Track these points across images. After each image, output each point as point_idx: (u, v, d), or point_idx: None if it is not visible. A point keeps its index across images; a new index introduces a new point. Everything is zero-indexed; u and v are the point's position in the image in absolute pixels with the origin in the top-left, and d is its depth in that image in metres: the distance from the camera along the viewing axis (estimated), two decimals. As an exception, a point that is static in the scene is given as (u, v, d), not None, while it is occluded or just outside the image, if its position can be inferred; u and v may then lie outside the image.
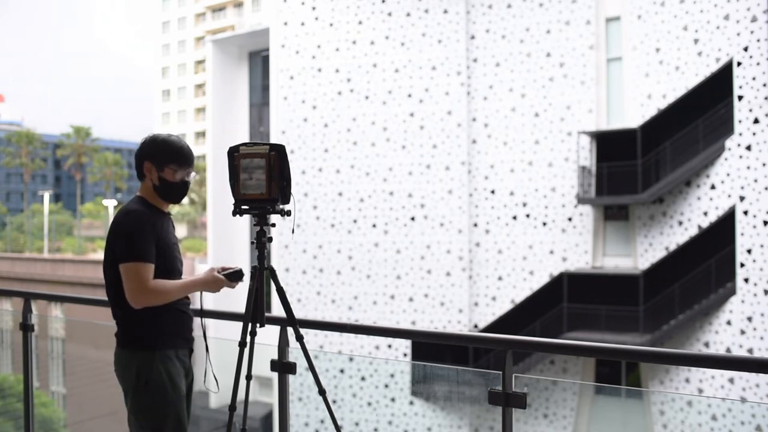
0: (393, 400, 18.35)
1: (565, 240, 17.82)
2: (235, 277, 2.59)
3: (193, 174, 2.64)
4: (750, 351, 14.14)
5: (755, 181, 14.39)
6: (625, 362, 16.69)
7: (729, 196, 14.99)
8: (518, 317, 17.66)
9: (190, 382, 2.69)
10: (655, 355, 2.63)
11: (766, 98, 14.23)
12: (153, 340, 2.53)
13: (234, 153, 2.70)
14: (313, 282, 19.96)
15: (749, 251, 14.34)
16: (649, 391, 16.70)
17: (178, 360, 2.59)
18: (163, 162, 2.56)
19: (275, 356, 3.09)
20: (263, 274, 2.80)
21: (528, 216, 18.21)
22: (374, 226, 19.49)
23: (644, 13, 16.97)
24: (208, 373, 2.72)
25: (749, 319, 14.30)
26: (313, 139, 20.12)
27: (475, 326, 18.52)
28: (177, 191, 2.62)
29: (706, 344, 15.31)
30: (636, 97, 17.14)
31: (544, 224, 18.03)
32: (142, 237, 2.47)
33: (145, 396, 2.51)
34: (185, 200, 51.71)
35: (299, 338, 2.88)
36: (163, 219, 2.61)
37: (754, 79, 14.42)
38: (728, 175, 15.02)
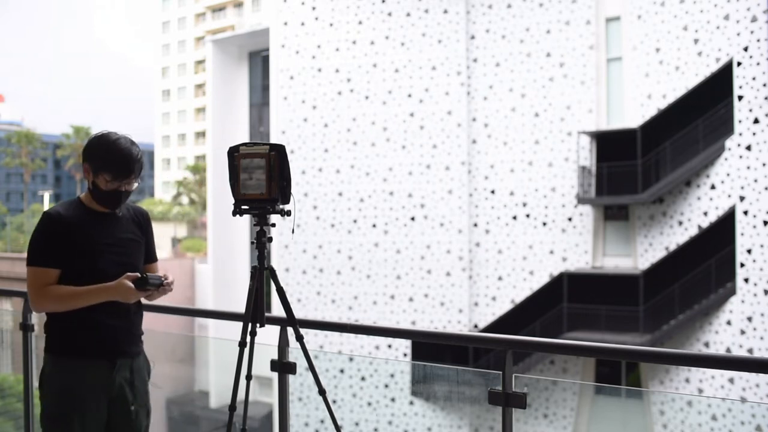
0: (393, 400, 18.35)
1: (565, 240, 17.82)
2: (139, 283, 2.41)
3: (135, 185, 2.48)
4: (750, 351, 14.14)
5: (755, 181, 14.39)
6: (625, 362, 16.69)
7: (729, 196, 14.99)
8: (518, 317, 17.65)
9: (115, 396, 2.49)
10: (655, 355, 2.63)
11: (766, 98, 14.23)
12: (55, 347, 2.45)
13: (234, 153, 2.70)
14: (313, 282, 19.96)
15: (749, 251, 14.34)
16: (649, 391, 16.70)
17: (89, 371, 2.43)
18: (99, 168, 2.40)
19: (275, 356, 3.09)
20: (263, 274, 2.80)
21: (528, 216, 18.21)
22: (374, 226, 19.49)
23: (644, 13, 16.97)
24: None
25: (749, 319, 14.30)
26: (313, 139, 20.12)
27: (475, 326, 18.52)
28: (109, 199, 2.45)
29: (706, 344, 15.31)
30: (636, 97, 17.14)
31: (544, 224, 18.03)
32: (41, 241, 2.39)
33: (43, 401, 2.45)
34: (185, 200, 51.71)
35: (299, 338, 2.88)
36: (96, 220, 2.47)
37: (754, 79, 14.42)
38: (728, 175, 15.02)
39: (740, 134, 14.65)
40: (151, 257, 2.68)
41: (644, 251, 16.91)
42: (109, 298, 2.40)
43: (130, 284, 2.40)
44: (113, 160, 2.40)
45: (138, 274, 2.45)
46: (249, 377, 2.72)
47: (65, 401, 2.41)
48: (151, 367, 2.72)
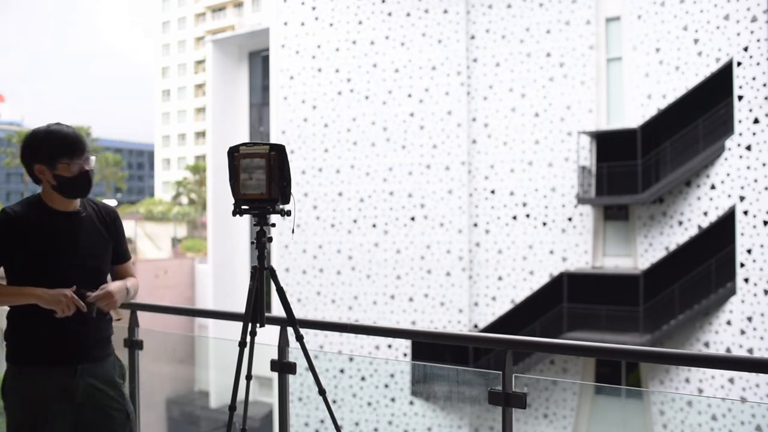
0: (393, 400, 18.35)
1: (565, 240, 17.81)
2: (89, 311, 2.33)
3: (93, 159, 2.41)
4: (750, 351, 14.14)
5: (755, 181, 14.39)
6: (625, 362, 16.69)
7: (729, 196, 14.99)
8: (518, 317, 17.65)
9: (83, 401, 2.41)
10: (655, 355, 2.63)
11: (766, 98, 14.23)
12: (17, 355, 2.38)
13: (234, 153, 2.69)
14: (313, 282, 19.96)
15: (749, 251, 14.34)
16: (649, 391, 16.69)
17: (51, 378, 2.35)
18: (54, 158, 2.31)
19: (275, 356, 3.09)
20: (263, 274, 2.79)
21: (528, 216, 18.21)
22: (374, 226, 19.49)
23: (644, 13, 16.97)
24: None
25: (749, 319, 14.30)
26: (313, 139, 20.11)
27: (475, 326, 18.52)
28: (80, 184, 2.37)
29: (706, 344, 15.30)
30: (636, 97, 17.14)
31: (544, 224, 18.03)
32: None
33: (7, 411, 2.37)
34: (185, 200, 51.68)
35: (299, 338, 2.88)
36: (58, 220, 2.38)
37: (754, 79, 14.41)
38: (728, 175, 15.02)
39: (740, 134, 14.64)
40: (121, 257, 2.62)
41: (644, 251, 16.91)
42: (39, 303, 2.28)
43: (72, 294, 2.29)
44: (62, 142, 2.33)
45: (89, 295, 2.34)
46: (249, 377, 2.72)
47: (30, 410, 2.34)
48: (124, 369, 2.64)
